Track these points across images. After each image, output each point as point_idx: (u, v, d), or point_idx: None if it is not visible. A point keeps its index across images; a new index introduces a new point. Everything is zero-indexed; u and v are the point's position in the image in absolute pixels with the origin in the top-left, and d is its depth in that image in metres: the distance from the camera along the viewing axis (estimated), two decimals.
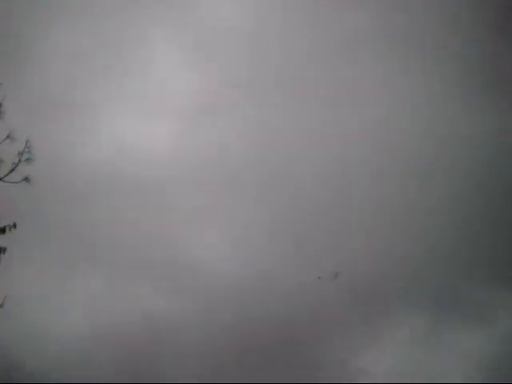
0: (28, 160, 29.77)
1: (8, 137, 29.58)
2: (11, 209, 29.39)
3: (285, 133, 58.43)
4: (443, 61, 58.08)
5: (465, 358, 59.47)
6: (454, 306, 61.66)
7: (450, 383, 50.71)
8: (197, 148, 55.92)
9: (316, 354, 60.76)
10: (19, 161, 29.69)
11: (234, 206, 56.77)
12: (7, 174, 29.76)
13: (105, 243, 52.93)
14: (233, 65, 59.88)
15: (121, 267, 53.69)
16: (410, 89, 59.45)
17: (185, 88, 57.86)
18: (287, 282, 60.54)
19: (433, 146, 58.30)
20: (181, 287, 54.25)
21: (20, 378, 44.39)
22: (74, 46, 59.82)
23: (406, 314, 62.04)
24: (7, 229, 29.57)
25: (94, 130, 54.77)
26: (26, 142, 29.67)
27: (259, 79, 61.24)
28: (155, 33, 60.49)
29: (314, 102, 59.95)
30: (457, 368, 59.08)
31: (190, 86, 57.51)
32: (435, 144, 57.80)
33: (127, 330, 51.57)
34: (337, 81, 59.58)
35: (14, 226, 29.77)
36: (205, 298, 53.96)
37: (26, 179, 29.94)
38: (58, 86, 56.18)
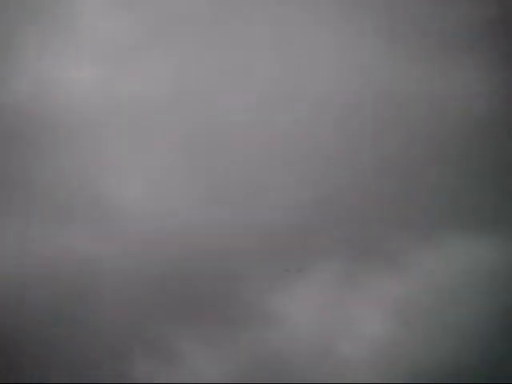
0: None
1: None
2: None
3: (211, 76, 58.56)
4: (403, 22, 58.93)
5: (379, 301, 62.24)
6: (370, 249, 63.97)
7: None
8: (121, 92, 55.58)
9: (236, 300, 62.84)
10: None
11: (157, 151, 57.30)
12: None
13: (26, 186, 52.74)
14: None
15: (42, 210, 53.72)
16: (368, 49, 60.33)
17: (116, 28, 56.82)
18: (208, 226, 61.95)
19: (392, 106, 59.69)
20: (107, 230, 54.91)
21: None
22: None
23: (320, 258, 64.19)
24: None
25: (17, 69, 53.50)
26: None
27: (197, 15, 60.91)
28: None
29: (258, 49, 60.28)
30: (371, 312, 61.98)
31: (121, 25, 56.57)
32: (395, 103, 59.18)
33: (58, 272, 52.01)
34: (287, 35, 59.86)
35: None
36: (130, 242, 54.84)
37: None
38: None
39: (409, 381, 55.40)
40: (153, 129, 58.32)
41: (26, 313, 51.18)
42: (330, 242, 63.26)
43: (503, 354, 54.76)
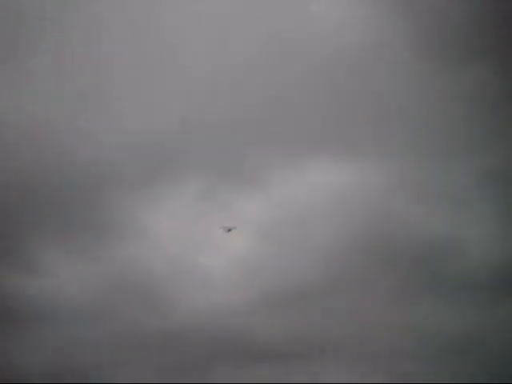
0: None
1: None
2: None
3: None
4: None
5: (239, 218, 64.16)
6: (234, 168, 65.72)
7: None
8: None
9: (101, 212, 63.27)
10: None
11: None
12: None
13: None
14: None
15: None
16: None
17: None
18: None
19: None
20: None
21: None
22: None
23: (186, 175, 65.47)
24: None
25: None
26: None
27: None
28: None
29: None
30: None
31: None
32: None
33: None
34: None
35: None
36: None
37: None
38: None
39: (258, 293, 57.66)
40: None
41: None
42: (195, 160, 64.07)
43: (347, 269, 58.16)
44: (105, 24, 63.05)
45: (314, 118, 66.26)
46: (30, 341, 56.47)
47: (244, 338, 56.19)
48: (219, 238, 64.05)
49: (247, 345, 55.97)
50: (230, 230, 56.24)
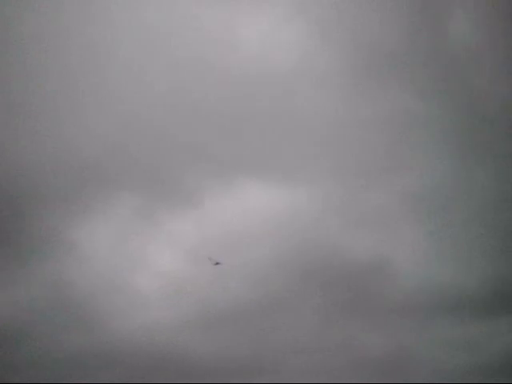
0: None
1: None
2: None
3: None
4: None
5: (173, 238, 65.06)
6: (168, 188, 66.54)
7: None
8: None
9: (33, 224, 62.99)
10: None
11: None
12: None
13: None
14: None
15: None
16: None
17: None
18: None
19: None
20: None
21: None
22: None
23: (120, 194, 65.86)
24: None
25: None
26: None
27: None
28: None
29: None
30: (165, 248, 64.73)
31: None
32: None
33: None
34: None
35: None
36: None
37: None
38: None
39: (192, 312, 58.49)
40: None
41: None
42: (130, 179, 64.70)
43: (279, 290, 59.65)
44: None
45: (248, 143, 67.87)
46: None
47: (178, 356, 56.90)
48: (152, 256, 64.86)
49: (181, 362, 56.79)
50: (217, 264, 56.50)
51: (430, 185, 62.94)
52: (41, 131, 62.88)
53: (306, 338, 56.97)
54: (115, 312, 59.90)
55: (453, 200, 63.00)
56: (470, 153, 64.78)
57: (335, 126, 65.51)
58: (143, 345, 56.63)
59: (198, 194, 65.09)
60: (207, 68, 65.32)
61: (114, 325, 58.47)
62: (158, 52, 65.06)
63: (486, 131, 64.84)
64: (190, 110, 65.21)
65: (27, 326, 56.39)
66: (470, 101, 64.60)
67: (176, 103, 64.55)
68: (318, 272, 60.57)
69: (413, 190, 62.68)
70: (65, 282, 60.02)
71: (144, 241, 64.10)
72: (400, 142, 65.08)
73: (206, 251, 65.26)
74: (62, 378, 54.47)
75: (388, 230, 62.99)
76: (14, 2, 62.03)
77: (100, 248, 63.12)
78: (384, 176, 64.50)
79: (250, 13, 66.38)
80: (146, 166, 65.52)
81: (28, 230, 61.62)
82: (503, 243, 60.06)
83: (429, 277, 59.52)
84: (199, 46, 65.67)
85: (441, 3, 66.72)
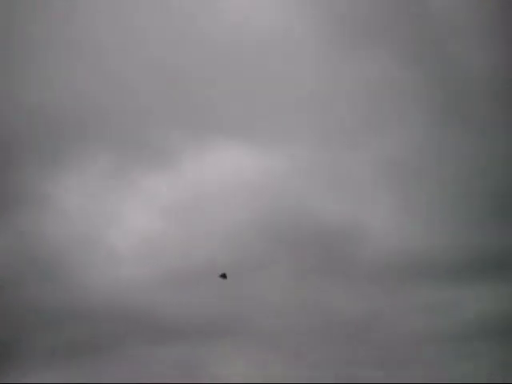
0: None
1: None
2: None
3: None
4: None
5: (147, 197, 64.83)
6: (142, 146, 66.20)
7: None
8: None
9: (6, 176, 62.56)
10: None
11: None
12: None
13: None
14: None
15: None
16: None
17: None
18: None
19: None
20: None
21: None
22: None
23: (96, 151, 65.49)
24: None
25: None
26: None
27: None
28: None
29: None
30: (138, 206, 64.53)
31: None
32: None
33: None
34: None
35: None
36: None
37: None
38: None
39: (165, 270, 58.40)
40: None
41: None
42: (106, 135, 64.20)
43: (252, 251, 59.66)
44: None
45: (226, 102, 67.43)
46: None
47: (151, 315, 57.03)
48: (127, 214, 64.69)
49: (154, 322, 56.93)
50: (223, 275, 55.98)
51: (405, 149, 63.04)
52: (18, 81, 62.23)
53: (279, 299, 57.26)
54: (88, 267, 59.86)
55: (428, 165, 63.23)
56: (448, 118, 64.87)
57: (313, 90, 65.33)
58: (116, 301, 56.66)
59: (175, 155, 64.78)
60: (186, 33, 64.78)
61: (87, 280, 58.38)
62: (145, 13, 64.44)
63: (464, 97, 64.88)
64: (170, 71, 64.77)
65: (4, 279, 56.31)
66: (449, 66, 64.50)
67: (156, 65, 64.04)
68: (291, 234, 60.70)
69: (388, 154, 62.83)
70: (38, 236, 59.82)
71: (119, 198, 63.85)
72: (377, 106, 65.09)
73: (181, 211, 65.34)
74: (33, 331, 54.56)
75: (363, 194, 63.15)
76: None
77: (74, 203, 62.86)
78: (360, 140, 64.61)
79: None
80: (124, 124, 65.11)
81: (1, 181, 61.28)
82: (479, 208, 60.43)
83: (403, 241, 59.79)
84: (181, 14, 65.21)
85: None
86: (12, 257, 58.59)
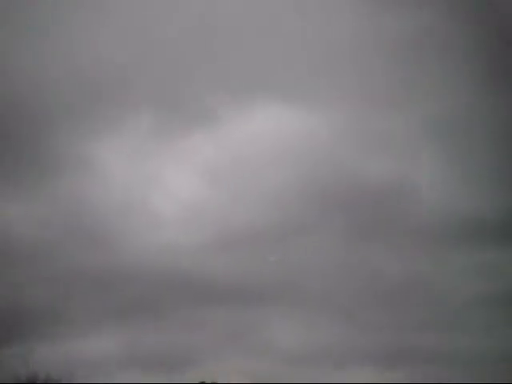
0: None
1: None
2: None
3: None
4: None
5: (189, 158, 64.26)
6: (182, 107, 65.35)
7: None
8: None
9: (48, 140, 62.24)
10: None
11: None
12: None
13: None
14: None
15: None
16: None
17: None
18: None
19: None
20: None
21: None
22: None
23: (134, 111, 64.89)
24: None
25: None
26: None
27: None
28: None
29: None
30: (181, 169, 63.98)
31: None
32: None
33: None
34: None
35: None
36: None
37: None
38: None
39: (213, 235, 57.91)
40: None
41: None
42: (146, 96, 63.48)
43: (296, 213, 58.90)
44: None
45: (268, 60, 66.29)
46: None
47: (193, 278, 56.75)
48: (167, 176, 64.17)
49: (197, 285, 56.63)
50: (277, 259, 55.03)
51: (452, 109, 61.65)
52: (53, 49, 61.62)
53: (324, 261, 56.79)
54: (129, 232, 59.62)
55: (475, 126, 61.81)
56: (494, 77, 63.30)
57: (354, 49, 63.97)
58: (158, 266, 56.44)
59: (215, 114, 63.98)
60: None
61: (128, 244, 58.26)
62: None
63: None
64: (207, 27, 63.63)
65: (42, 243, 56.23)
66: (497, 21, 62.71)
67: (193, 26, 62.98)
68: (335, 195, 60.02)
69: (434, 113, 61.54)
70: (80, 200, 59.58)
71: (159, 160, 63.36)
72: (420, 64, 63.65)
73: (222, 174, 64.73)
74: (80, 296, 54.65)
75: (408, 154, 62.23)
76: None
77: (115, 166, 62.46)
78: (404, 99, 63.41)
79: None
80: (161, 83, 64.27)
81: (43, 147, 60.92)
82: None
83: (450, 201, 58.88)
84: None
85: None
86: (53, 220, 58.50)
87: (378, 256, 57.68)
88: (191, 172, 63.31)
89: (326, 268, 56.31)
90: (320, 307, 55.40)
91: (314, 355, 53.09)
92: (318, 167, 61.25)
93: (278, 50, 63.84)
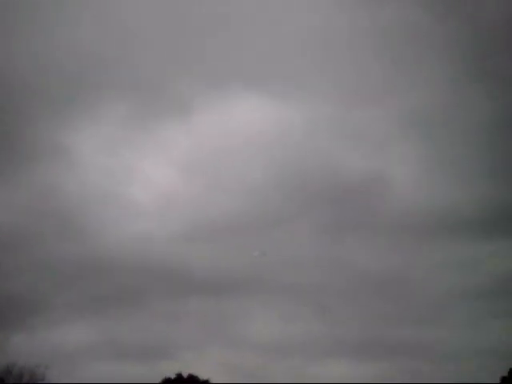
0: None
1: None
2: None
3: None
4: None
5: (164, 148, 63.67)
6: (158, 96, 64.57)
7: None
8: None
9: (24, 129, 61.15)
10: None
11: None
12: None
13: None
14: None
15: None
16: None
17: None
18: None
19: None
20: None
21: None
22: None
23: (113, 100, 64.00)
24: None
25: None
26: None
27: None
28: None
29: None
30: (157, 158, 63.36)
31: None
32: None
33: None
34: None
35: None
36: None
37: None
38: None
39: (189, 225, 57.57)
40: None
41: None
42: (121, 86, 62.76)
43: (270, 205, 58.58)
44: None
45: (244, 51, 65.58)
46: None
47: (171, 269, 56.48)
48: (143, 165, 63.44)
49: (174, 276, 56.32)
50: (264, 254, 54.36)
51: (430, 103, 61.75)
52: (30, 39, 60.86)
53: (301, 254, 56.54)
54: (107, 220, 59.13)
55: (451, 120, 62.01)
56: (472, 71, 63.50)
57: (333, 42, 63.90)
58: (134, 254, 56.09)
59: (191, 104, 63.47)
60: None
61: (106, 233, 57.84)
62: None
63: (487, 47, 63.44)
64: (184, 21, 63.13)
65: (19, 231, 55.36)
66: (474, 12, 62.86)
67: (170, 15, 62.43)
68: (313, 189, 59.98)
69: (412, 107, 61.56)
70: (56, 187, 58.89)
71: (135, 148, 62.75)
72: (400, 59, 63.56)
73: (199, 163, 64.01)
74: (56, 286, 53.93)
75: (384, 149, 62.19)
76: None
77: (91, 154, 61.87)
78: (382, 93, 63.33)
79: None
80: (138, 74, 63.63)
81: (21, 135, 59.90)
82: (503, 164, 59.53)
83: (427, 195, 59.04)
84: None
85: None
86: (29, 212, 57.65)
87: (356, 250, 57.68)
88: (168, 162, 62.88)
89: (303, 261, 56.18)
90: (297, 300, 55.43)
91: (291, 347, 53.21)
92: (296, 160, 61.03)
93: (253, 42, 63.54)
